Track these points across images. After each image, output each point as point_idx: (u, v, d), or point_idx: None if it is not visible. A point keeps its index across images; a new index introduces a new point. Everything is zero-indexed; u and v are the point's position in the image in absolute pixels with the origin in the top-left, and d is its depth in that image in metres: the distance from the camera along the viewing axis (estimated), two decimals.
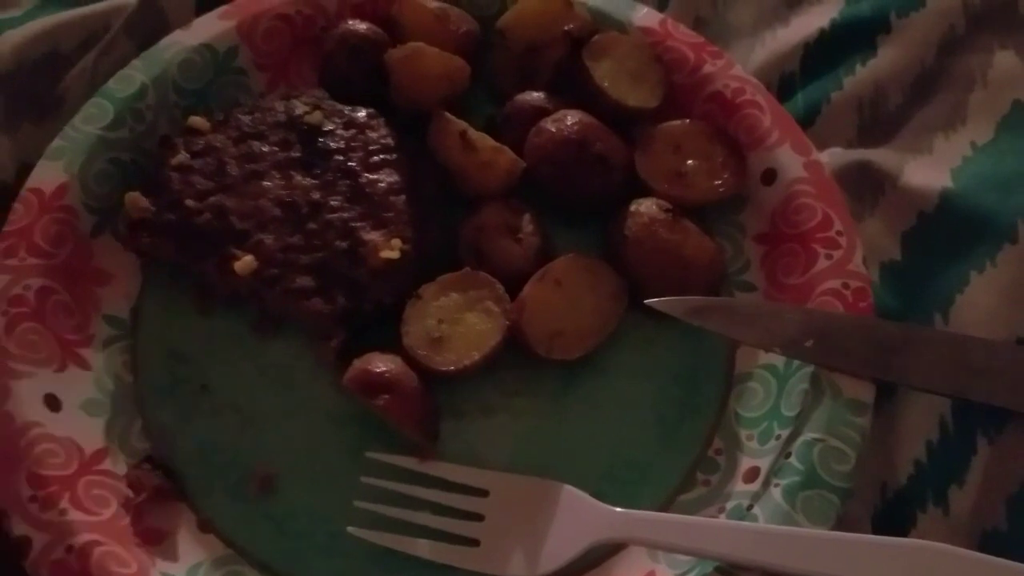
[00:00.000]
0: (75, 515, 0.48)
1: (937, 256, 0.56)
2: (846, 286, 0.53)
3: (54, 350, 0.53)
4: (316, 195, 0.57)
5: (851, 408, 0.50)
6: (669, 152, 0.60)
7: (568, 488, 0.50)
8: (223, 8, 0.65)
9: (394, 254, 0.54)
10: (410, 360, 0.53)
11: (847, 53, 0.65)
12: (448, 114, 0.58)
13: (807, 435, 0.49)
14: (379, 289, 0.55)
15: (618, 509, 0.48)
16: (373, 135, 0.59)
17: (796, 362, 0.52)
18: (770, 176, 0.58)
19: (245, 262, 0.54)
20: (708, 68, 0.62)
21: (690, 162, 0.59)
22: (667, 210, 0.57)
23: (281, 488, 0.52)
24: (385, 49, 0.61)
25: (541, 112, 0.60)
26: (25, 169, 0.59)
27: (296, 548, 0.51)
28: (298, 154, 0.58)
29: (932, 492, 0.50)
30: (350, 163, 0.58)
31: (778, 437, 0.51)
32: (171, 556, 0.50)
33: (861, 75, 0.63)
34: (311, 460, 0.53)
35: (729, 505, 0.50)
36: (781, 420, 0.51)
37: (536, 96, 0.61)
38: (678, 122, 0.61)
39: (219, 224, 0.56)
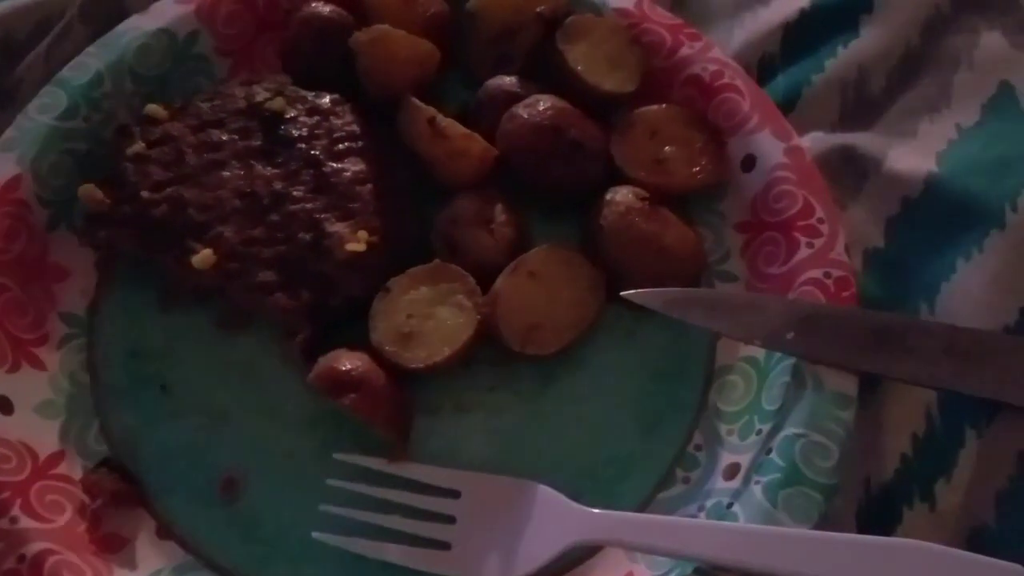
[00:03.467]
0: (27, 522, 0.47)
1: (923, 243, 0.55)
2: (828, 275, 0.52)
3: (6, 350, 0.52)
4: (278, 185, 0.54)
5: (834, 401, 0.48)
6: (646, 138, 0.58)
7: (543, 488, 0.48)
8: None
9: (360, 246, 0.52)
10: (378, 357, 0.51)
11: (829, 34, 0.63)
12: (416, 100, 0.56)
13: (789, 430, 0.48)
14: (346, 283, 0.53)
15: (595, 510, 0.46)
16: (338, 122, 0.57)
17: (778, 354, 0.51)
18: (750, 162, 0.57)
19: (203, 256, 0.52)
20: (686, 51, 0.60)
21: (668, 148, 0.58)
22: (644, 198, 0.55)
23: (246, 492, 0.51)
24: (351, 32, 0.59)
25: (514, 97, 0.58)
26: None
27: (262, 554, 0.49)
28: (259, 143, 0.56)
29: (918, 487, 0.49)
30: (314, 151, 0.55)
31: (759, 432, 0.49)
32: (129, 563, 0.48)
33: (843, 57, 0.62)
34: (278, 462, 0.51)
35: (709, 503, 0.48)
36: (762, 414, 0.50)
37: (508, 81, 0.59)
38: (655, 107, 0.59)
39: (177, 216, 0.54)
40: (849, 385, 0.49)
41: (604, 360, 0.54)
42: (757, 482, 0.47)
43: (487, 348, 0.53)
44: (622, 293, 0.52)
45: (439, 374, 0.52)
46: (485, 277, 0.53)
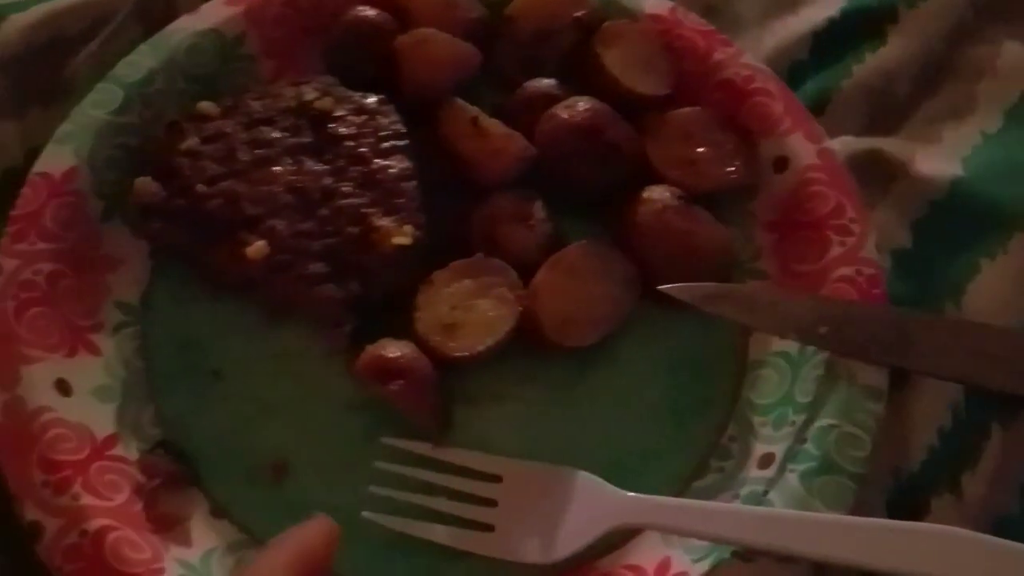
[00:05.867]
0: (88, 500, 0.48)
1: (948, 244, 0.56)
2: (859, 273, 0.53)
3: (64, 335, 0.53)
4: (327, 181, 0.56)
5: (866, 394, 0.50)
6: (680, 139, 0.60)
7: (583, 474, 0.50)
8: None
9: (406, 240, 0.54)
10: (423, 346, 0.53)
11: (856, 42, 0.65)
12: (459, 100, 0.58)
13: (822, 421, 0.49)
14: (391, 275, 0.54)
15: (633, 494, 0.48)
16: (383, 121, 0.58)
17: (810, 349, 0.52)
18: (782, 164, 0.58)
19: (257, 247, 0.54)
20: (718, 56, 0.62)
21: (701, 150, 0.59)
22: (679, 197, 0.57)
23: (295, 474, 0.52)
24: (394, 35, 0.61)
25: (551, 99, 0.60)
26: (32, 154, 0.58)
27: None
28: (308, 140, 0.58)
29: (945, 478, 0.51)
30: (360, 149, 0.57)
31: (792, 423, 0.51)
32: (185, 541, 0.49)
33: (871, 64, 0.63)
34: (324, 446, 0.53)
35: (744, 491, 0.50)
36: (795, 406, 0.51)
37: (546, 83, 0.61)
38: (689, 109, 0.60)
39: (230, 209, 0.55)
40: (880, 379, 0.50)
41: (637, 353, 0.56)
42: (792, 471, 0.48)
43: (521, 340, 0.54)
44: (659, 287, 0.54)
45: (476, 366, 0.54)
46: (521, 271, 0.55)
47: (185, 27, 0.62)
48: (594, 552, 0.49)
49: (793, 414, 0.51)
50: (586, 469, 0.50)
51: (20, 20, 0.64)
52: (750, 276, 0.58)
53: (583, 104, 0.58)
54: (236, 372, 0.55)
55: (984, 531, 0.47)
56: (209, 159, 0.57)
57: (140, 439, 0.52)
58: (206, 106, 0.59)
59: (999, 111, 0.60)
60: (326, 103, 0.59)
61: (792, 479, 0.48)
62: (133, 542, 0.47)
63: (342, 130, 0.58)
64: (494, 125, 0.57)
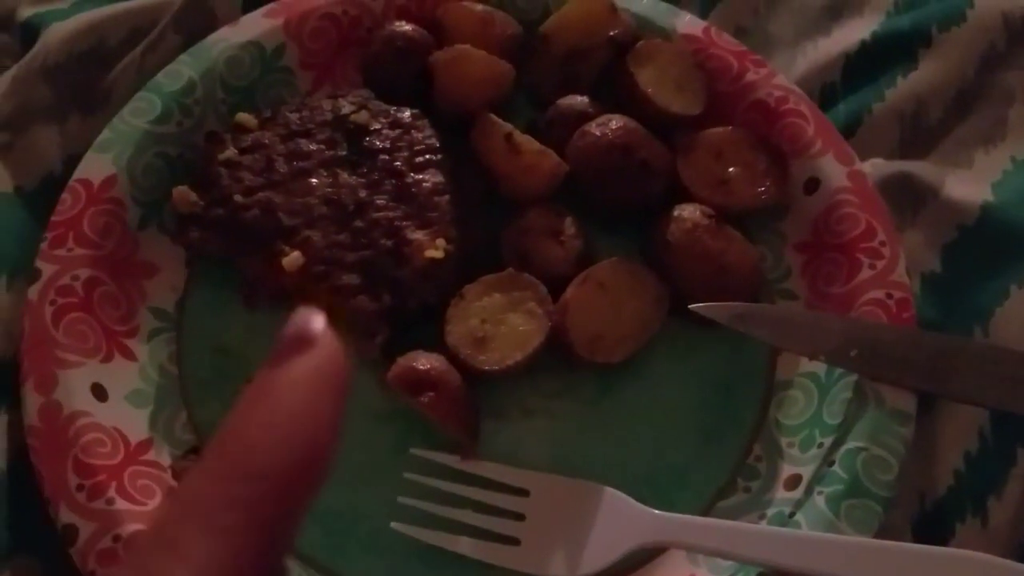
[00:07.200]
0: (122, 504, 0.48)
1: (977, 269, 0.57)
2: (889, 296, 0.54)
3: (100, 340, 0.54)
4: (362, 194, 0.57)
5: (894, 418, 0.50)
6: (711, 159, 0.60)
7: (610, 490, 0.50)
8: (269, 6, 0.65)
9: (439, 254, 0.55)
10: (453, 359, 0.53)
11: (888, 65, 0.65)
12: (493, 116, 0.59)
13: (851, 444, 0.50)
14: (423, 288, 0.55)
15: (660, 512, 0.48)
16: (418, 135, 0.59)
17: (838, 371, 0.53)
18: (813, 185, 0.59)
19: (293, 258, 0.55)
20: (751, 76, 0.62)
21: (732, 169, 0.60)
22: (710, 216, 0.57)
23: (324, 483, 0.52)
24: (430, 51, 0.62)
25: (584, 117, 0.60)
26: (72, 161, 0.59)
27: (338, 543, 0.51)
28: (344, 153, 0.59)
29: (971, 503, 0.51)
30: (395, 163, 0.58)
31: (820, 445, 0.51)
32: None
33: (902, 88, 0.64)
34: (355, 456, 0.53)
35: (770, 512, 0.50)
36: (823, 428, 0.52)
37: (579, 101, 0.62)
38: (720, 129, 0.61)
39: (267, 220, 0.56)
40: (908, 403, 0.51)
41: (665, 371, 0.56)
42: (820, 493, 0.49)
43: (551, 355, 0.55)
44: (691, 306, 0.54)
45: (505, 380, 0.54)
46: (552, 287, 0.55)
47: (225, 38, 0.63)
48: (619, 569, 0.49)
49: (821, 436, 0.51)
50: (613, 485, 0.50)
51: (62, 28, 0.65)
52: (779, 296, 0.58)
53: (616, 122, 0.59)
54: None
55: (1009, 556, 0.47)
56: (247, 170, 0.58)
57: (173, 445, 0.53)
58: (244, 117, 0.60)
59: None
60: (362, 116, 0.59)
61: (819, 501, 0.48)
62: None
63: (377, 143, 0.59)
64: (527, 142, 0.58)
